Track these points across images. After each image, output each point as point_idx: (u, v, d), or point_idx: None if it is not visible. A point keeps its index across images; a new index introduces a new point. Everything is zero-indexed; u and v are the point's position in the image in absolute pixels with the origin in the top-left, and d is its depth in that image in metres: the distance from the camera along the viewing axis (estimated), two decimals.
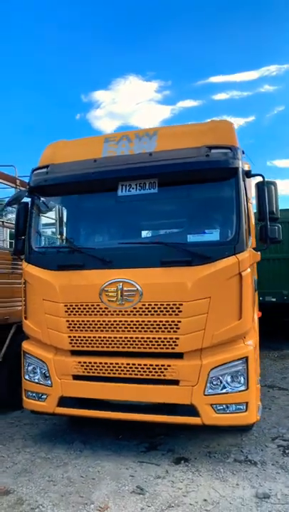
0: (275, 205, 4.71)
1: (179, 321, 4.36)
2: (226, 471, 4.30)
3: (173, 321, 4.38)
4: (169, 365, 4.41)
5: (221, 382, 4.33)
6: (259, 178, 4.79)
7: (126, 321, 4.51)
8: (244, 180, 4.64)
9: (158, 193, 4.74)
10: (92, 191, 5.04)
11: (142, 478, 4.18)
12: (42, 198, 5.20)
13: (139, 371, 4.48)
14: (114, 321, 4.55)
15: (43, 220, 5.98)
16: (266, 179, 4.74)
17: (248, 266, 4.45)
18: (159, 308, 4.42)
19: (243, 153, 4.80)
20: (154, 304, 4.43)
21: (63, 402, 4.72)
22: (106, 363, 4.59)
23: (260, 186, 4.68)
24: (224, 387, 4.33)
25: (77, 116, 59.64)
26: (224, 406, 4.32)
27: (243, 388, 4.32)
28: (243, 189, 4.57)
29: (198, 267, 4.38)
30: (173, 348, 4.39)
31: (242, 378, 4.33)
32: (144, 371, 4.46)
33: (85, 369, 4.65)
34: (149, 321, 4.44)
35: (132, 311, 4.49)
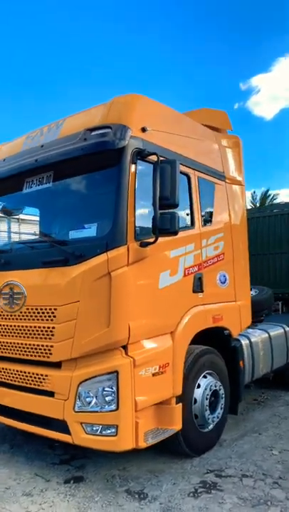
0: (170, 189, 3.85)
1: (54, 327, 3.98)
2: (98, 500, 3.75)
3: (49, 327, 4.02)
4: (46, 375, 4.05)
5: (91, 398, 3.78)
6: None
7: (14, 326, 4.32)
8: (134, 163, 3.93)
9: (52, 186, 4.38)
10: (8, 190, 4.92)
11: (13, 491, 3.96)
12: None
13: (23, 379, 4.24)
14: (6, 325, 4.39)
15: None
16: (161, 158, 3.92)
17: (124, 264, 3.76)
18: (38, 312, 4.11)
19: (144, 130, 4.07)
20: (35, 308, 4.14)
21: None
22: (1, 368, 4.47)
23: (154, 167, 3.89)
24: (95, 404, 3.77)
25: (235, 105, 58.05)
26: (94, 426, 3.76)
27: (112, 408, 3.69)
28: (128, 174, 3.87)
29: (70, 267, 3.92)
30: (48, 357, 4.02)
31: (111, 396, 3.70)
32: (28, 379, 4.20)
33: None
34: (31, 327, 4.16)
35: (19, 315, 4.28)
